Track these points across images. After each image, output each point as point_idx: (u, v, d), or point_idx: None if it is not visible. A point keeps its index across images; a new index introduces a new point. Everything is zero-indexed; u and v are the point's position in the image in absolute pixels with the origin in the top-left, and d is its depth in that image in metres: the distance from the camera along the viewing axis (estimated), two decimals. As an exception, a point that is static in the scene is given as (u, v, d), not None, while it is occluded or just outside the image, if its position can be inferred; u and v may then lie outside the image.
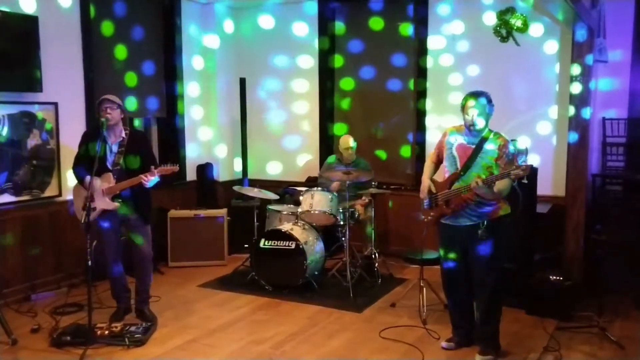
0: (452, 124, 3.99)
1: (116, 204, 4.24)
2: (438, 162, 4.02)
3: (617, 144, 5.34)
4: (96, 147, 4.12)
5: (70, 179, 5.12)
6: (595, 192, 5.33)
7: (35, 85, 4.90)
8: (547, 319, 4.47)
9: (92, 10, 5.49)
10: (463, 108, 3.78)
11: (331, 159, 6.03)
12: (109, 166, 4.27)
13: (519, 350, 4.01)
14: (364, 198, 5.59)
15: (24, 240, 4.99)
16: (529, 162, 3.61)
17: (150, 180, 4.16)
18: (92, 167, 4.05)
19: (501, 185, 3.62)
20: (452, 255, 3.91)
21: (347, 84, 6.65)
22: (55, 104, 5.15)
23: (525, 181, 4.39)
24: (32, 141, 5.01)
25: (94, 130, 4.33)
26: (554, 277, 4.64)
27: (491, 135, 3.76)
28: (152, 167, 4.19)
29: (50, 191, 5.16)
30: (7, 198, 4.85)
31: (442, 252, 4.01)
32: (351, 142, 5.80)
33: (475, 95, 3.75)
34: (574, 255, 5.03)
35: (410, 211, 5.97)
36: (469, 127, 3.75)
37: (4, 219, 4.82)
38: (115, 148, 4.30)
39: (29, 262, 5.03)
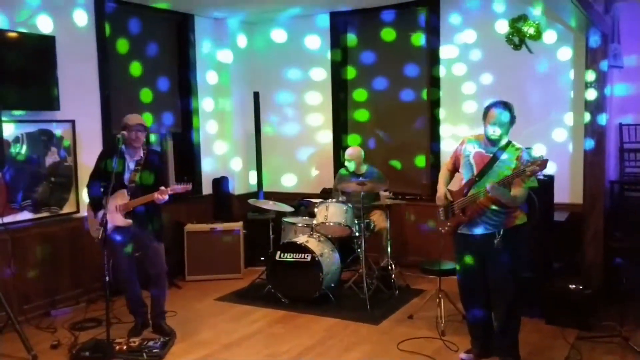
0: (467, 133, 3.97)
1: (129, 221, 4.29)
2: (454, 170, 3.99)
3: (635, 150, 5.27)
4: (113, 164, 4.18)
5: (87, 196, 5.18)
6: (613, 198, 5.26)
7: (53, 103, 4.98)
8: (567, 328, 4.40)
9: (108, 29, 5.58)
10: (486, 116, 3.71)
11: (343, 170, 6.02)
12: (125, 182, 4.33)
13: (540, 360, 3.96)
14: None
15: (43, 257, 5.05)
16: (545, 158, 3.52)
17: (164, 198, 4.20)
18: (109, 183, 4.09)
19: (517, 191, 3.60)
20: (468, 266, 3.88)
21: (360, 95, 6.67)
22: (73, 122, 5.23)
23: (541, 176, 4.27)
24: (50, 159, 5.08)
25: (113, 148, 4.39)
26: (574, 286, 4.57)
27: (509, 146, 3.73)
28: (162, 187, 4.21)
29: (68, 208, 5.22)
30: (26, 215, 4.92)
31: (458, 262, 3.98)
32: (347, 153, 5.82)
33: (503, 106, 3.67)
34: (593, 263, 4.96)
35: (427, 221, 5.96)
36: (490, 138, 3.71)
37: (23, 236, 4.88)
38: (132, 165, 4.37)
39: (48, 278, 5.08)
